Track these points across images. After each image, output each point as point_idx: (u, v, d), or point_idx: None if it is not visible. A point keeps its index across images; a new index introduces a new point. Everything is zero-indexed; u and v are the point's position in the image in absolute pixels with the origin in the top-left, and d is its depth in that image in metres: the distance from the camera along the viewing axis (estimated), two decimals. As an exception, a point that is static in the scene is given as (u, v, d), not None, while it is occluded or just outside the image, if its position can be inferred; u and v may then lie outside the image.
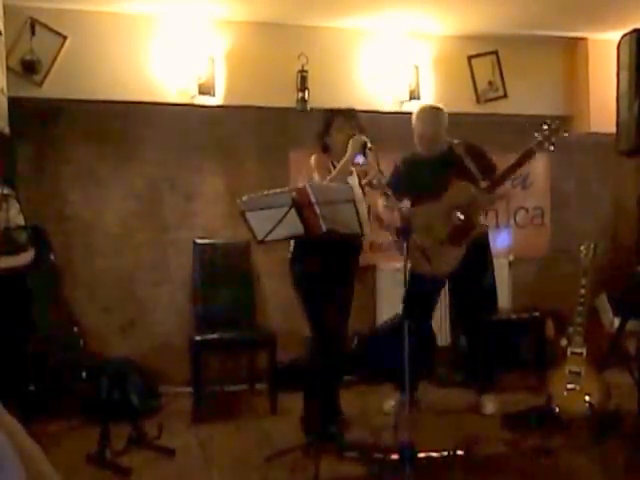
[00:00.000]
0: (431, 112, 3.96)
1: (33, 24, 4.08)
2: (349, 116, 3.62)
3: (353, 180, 3.51)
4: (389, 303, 3.88)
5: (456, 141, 3.96)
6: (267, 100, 4.57)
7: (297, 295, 3.60)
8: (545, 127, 3.69)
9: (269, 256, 4.73)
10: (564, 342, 3.78)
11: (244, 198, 3.07)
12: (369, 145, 3.40)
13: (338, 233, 3.08)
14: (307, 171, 3.53)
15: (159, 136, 4.66)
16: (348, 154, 3.46)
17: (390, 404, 4.04)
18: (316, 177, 3.53)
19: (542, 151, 3.71)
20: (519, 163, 3.73)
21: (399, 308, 3.42)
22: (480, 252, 3.95)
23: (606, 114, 3.82)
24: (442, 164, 3.90)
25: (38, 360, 3.90)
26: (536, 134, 3.68)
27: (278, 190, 3.07)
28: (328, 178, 3.45)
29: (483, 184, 3.77)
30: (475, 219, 3.82)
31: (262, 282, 4.82)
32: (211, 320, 4.32)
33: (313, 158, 3.62)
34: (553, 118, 5.18)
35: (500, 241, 5.01)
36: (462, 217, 3.76)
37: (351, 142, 3.46)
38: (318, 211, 3.01)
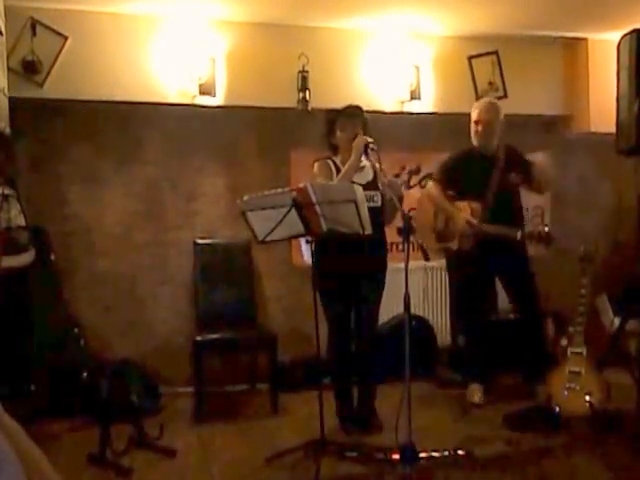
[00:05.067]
0: (490, 103, 4.16)
1: (34, 24, 4.07)
2: (351, 114, 3.62)
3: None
4: (389, 303, 3.88)
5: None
6: (268, 100, 4.56)
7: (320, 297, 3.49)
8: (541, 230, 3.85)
9: (270, 256, 4.74)
10: (564, 342, 3.79)
11: (245, 198, 3.07)
12: (371, 145, 3.40)
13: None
14: (311, 178, 3.52)
15: (160, 136, 4.67)
16: (353, 158, 3.46)
17: (478, 395, 4.10)
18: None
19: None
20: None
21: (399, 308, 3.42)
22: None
23: (606, 114, 3.81)
24: (491, 164, 4.02)
25: (38, 360, 3.91)
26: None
27: (279, 190, 3.08)
28: (335, 180, 3.46)
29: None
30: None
31: (263, 282, 4.82)
32: (212, 320, 4.33)
33: (316, 165, 3.64)
34: (553, 118, 5.27)
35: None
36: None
37: (354, 144, 3.46)
38: (319, 211, 3.02)
